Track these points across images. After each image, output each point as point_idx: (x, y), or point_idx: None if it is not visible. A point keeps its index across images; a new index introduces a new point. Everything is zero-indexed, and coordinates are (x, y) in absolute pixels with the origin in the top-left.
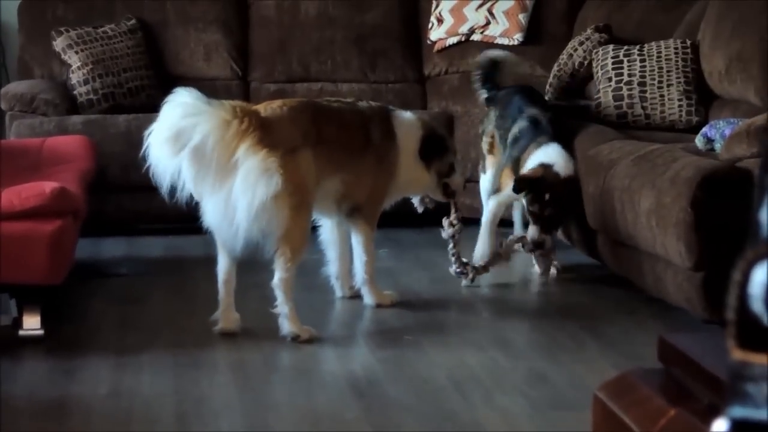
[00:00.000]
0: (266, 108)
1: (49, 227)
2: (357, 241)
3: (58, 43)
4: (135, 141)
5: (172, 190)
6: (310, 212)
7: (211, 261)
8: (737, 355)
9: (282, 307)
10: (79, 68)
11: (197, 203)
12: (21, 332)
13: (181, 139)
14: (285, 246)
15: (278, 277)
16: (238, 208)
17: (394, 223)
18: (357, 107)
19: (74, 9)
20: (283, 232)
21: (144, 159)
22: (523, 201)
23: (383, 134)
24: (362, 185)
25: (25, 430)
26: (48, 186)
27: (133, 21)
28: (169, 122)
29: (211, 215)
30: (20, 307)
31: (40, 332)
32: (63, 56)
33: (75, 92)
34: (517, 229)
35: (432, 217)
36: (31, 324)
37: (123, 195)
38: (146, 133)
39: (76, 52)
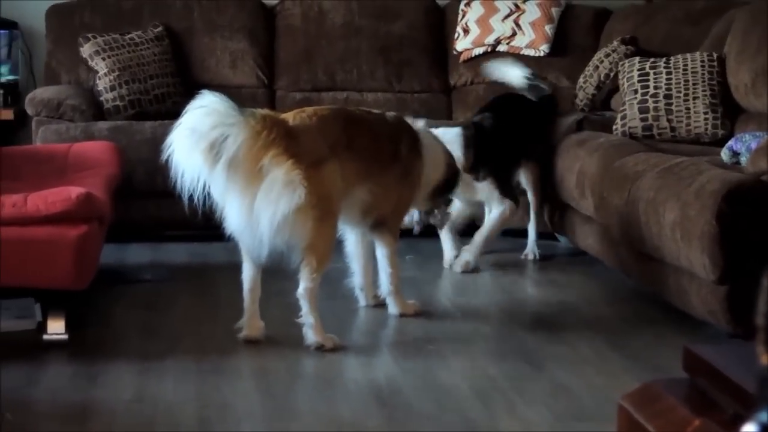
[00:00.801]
0: (295, 117)
1: (74, 232)
2: (382, 254)
3: (85, 50)
4: (160, 147)
5: (193, 196)
6: (336, 222)
7: (234, 268)
8: (767, 360)
9: (307, 317)
10: (105, 74)
11: (220, 210)
12: (45, 336)
13: (214, 151)
14: (310, 257)
15: (303, 287)
16: (261, 219)
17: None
18: (386, 118)
19: (102, 15)
20: (308, 243)
21: (168, 164)
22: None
23: (410, 147)
24: (389, 197)
25: None
26: (74, 191)
27: (160, 28)
28: (201, 133)
29: (234, 223)
30: (45, 312)
31: (65, 337)
32: (90, 62)
33: (101, 98)
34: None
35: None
36: (56, 328)
37: (148, 201)
38: (170, 136)
39: (103, 59)
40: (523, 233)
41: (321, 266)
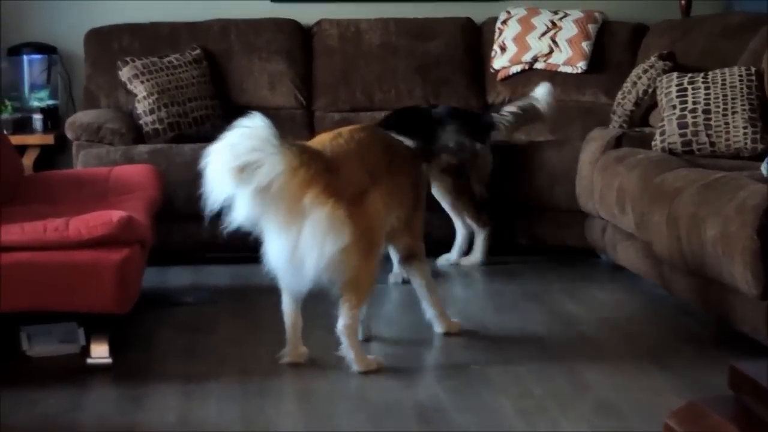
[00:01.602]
0: (333, 144)
1: (116, 256)
2: (419, 285)
3: (124, 73)
4: (200, 170)
5: (217, 216)
6: (379, 254)
7: (276, 290)
8: None
9: (347, 351)
10: (144, 98)
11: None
12: (89, 360)
13: (244, 173)
14: (351, 293)
15: (342, 323)
16: (305, 261)
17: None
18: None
19: (140, 39)
20: (350, 279)
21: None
22: None
23: (420, 169)
24: (411, 222)
25: None
26: (115, 215)
27: (198, 51)
28: (237, 152)
29: (275, 259)
30: (88, 336)
31: (108, 361)
32: (129, 86)
33: (141, 122)
34: None
35: (496, 247)
36: (99, 352)
37: (189, 224)
38: (209, 153)
39: (142, 82)
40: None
41: (361, 302)
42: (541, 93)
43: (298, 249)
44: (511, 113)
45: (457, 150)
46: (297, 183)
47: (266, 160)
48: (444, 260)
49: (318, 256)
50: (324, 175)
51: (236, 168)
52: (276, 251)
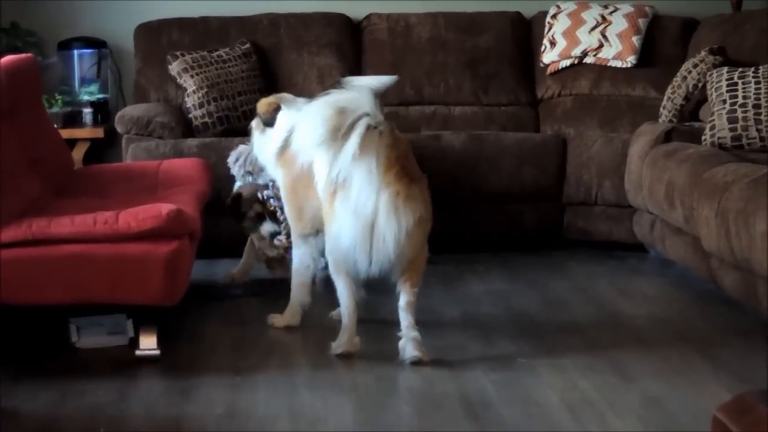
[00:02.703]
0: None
1: (165, 249)
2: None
3: (174, 67)
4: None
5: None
6: None
7: (324, 281)
8: None
9: (410, 331)
10: (194, 92)
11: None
12: (138, 352)
13: (340, 132)
14: (413, 272)
15: (406, 301)
16: (385, 235)
17: (507, 245)
18: None
19: (189, 33)
20: (415, 258)
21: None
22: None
23: None
24: None
25: None
26: (165, 208)
27: (247, 45)
28: (342, 113)
29: (350, 238)
30: (137, 328)
31: (157, 352)
32: (178, 80)
33: (190, 115)
34: None
35: (545, 241)
36: (148, 344)
37: None
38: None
39: (192, 76)
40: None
41: (420, 281)
42: None
43: (377, 223)
44: None
45: None
46: (393, 159)
47: (360, 127)
48: None
49: (397, 229)
50: (403, 156)
51: (335, 127)
52: (351, 228)
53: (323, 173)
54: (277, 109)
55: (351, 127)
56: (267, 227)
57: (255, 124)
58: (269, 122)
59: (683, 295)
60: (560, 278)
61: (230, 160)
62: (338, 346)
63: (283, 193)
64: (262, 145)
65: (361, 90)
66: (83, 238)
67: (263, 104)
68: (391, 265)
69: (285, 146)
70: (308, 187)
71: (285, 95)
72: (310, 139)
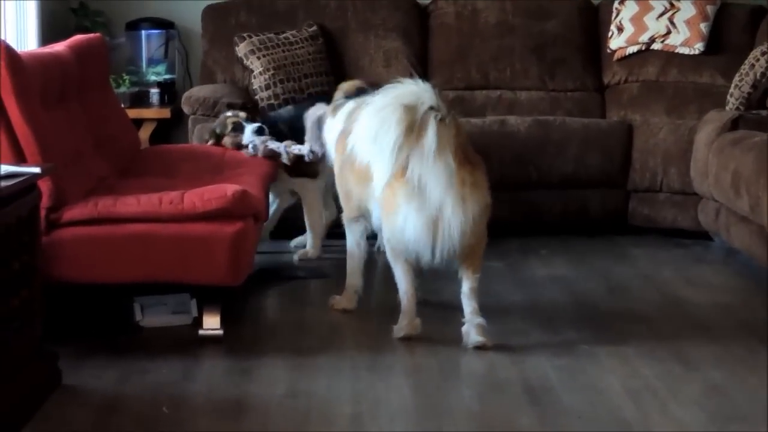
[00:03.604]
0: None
1: (230, 229)
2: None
3: (241, 49)
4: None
5: None
6: None
7: (386, 265)
8: None
9: (475, 317)
10: (260, 73)
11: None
12: (201, 332)
13: (413, 131)
14: (474, 258)
15: (469, 287)
16: (451, 226)
17: (571, 231)
18: None
19: (257, 15)
20: (477, 244)
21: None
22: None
23: None
24: None
25: (205, 428)
26: (230, 188)
27: (314, 27)
28: (411, 108)
29: (416, 226)
30: (200, 308)
31: (220, 332)
32: (245, 61)
33: (256, 97)
34: None
35: (609, 227)
36: (211, 324)
37: None
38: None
39: (258, 58)
40: None
41: (482, 265)
42: None
43: (443, 214)
44: None
45: None
46: (456, 146)
47: (432, 123)
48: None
49: (463, 219)
50: (465, 143)
51: (408, 125)
52: (417, 222)
53: (383, 166)
54: (361, 90)
55: (422, 124)
56: (248, 130)
57: (331, 106)
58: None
59: (747, 284)
60: (624, 265)
61: (310, 115)
62: (399, 329)
63: (336, 178)
64: (330, 127)
65: (418, 83)
66: (149, 217)
67: (349, 83)
68: (455, 255)
69: (344, 134)
70: (353, 171)
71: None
72: (386, 142)
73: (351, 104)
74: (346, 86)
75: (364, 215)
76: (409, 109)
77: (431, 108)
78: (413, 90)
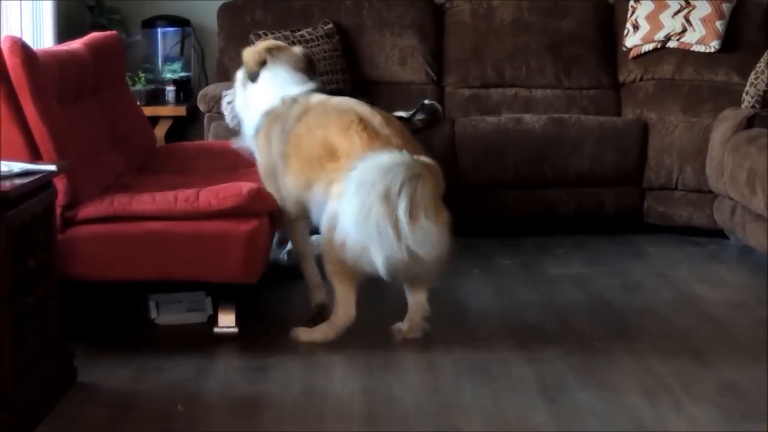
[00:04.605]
0: (400, 137)
1: (245, 227)
2: None
3: None
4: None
5: None
6: None
7: None
8: None
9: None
10: None
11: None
12: (216, 329)
13: (390, 200)
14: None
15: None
16: (421, 262)
17: (586, 229)
18: None
19: (273, 13)
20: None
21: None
22: None
23: None
24: None
25: (219, 426)
26: (245, 186)
27: (330, 25)
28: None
29: (386, 267)
30: (215, 305)
31: (235, 330)
32: None
33: None
34: None
35: (624, 225)
36: (226, 322)
37: None
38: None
39: None
40: None
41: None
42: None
43: (411, 253)
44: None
45: None
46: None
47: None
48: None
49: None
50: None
51: (382, 196)
52: (388, 259)
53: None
54: (263, 63)
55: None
56: None
57: (239, 75)
58: (253, 77)
59: (763, 282)
60: (639, 263)
61: (224, 101)
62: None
63: (260, 173)
64: (244, 101)
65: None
66: (164, 215)
67: (250, 54)
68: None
69: (261, 129)
70: (281, 177)
71: (275, 43)
72: (367, 222)
73: (269, 83)
74: (249, 59)
75: (302, 217)
76: (386, 191)
77: (407, 175)
78: (386, 160)
